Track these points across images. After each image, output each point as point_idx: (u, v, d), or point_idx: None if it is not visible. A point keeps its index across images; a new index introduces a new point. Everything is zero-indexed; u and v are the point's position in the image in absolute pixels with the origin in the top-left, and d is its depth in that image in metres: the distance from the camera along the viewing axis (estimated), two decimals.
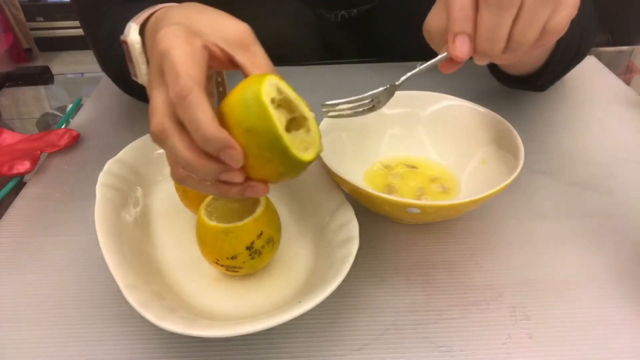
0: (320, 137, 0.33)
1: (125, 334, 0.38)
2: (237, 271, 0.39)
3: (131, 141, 0.49)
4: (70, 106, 0.69)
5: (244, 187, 0.32)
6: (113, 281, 0.34)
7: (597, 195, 0.50)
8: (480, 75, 0.69)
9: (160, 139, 0.31)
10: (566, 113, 0.63)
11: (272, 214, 0.39)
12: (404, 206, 0.39)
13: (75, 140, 0.60)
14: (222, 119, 0.30)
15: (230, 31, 0.34)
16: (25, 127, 0.73)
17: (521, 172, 0.41)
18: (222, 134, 0.29)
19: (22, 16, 2.39)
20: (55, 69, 0.82)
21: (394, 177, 0.50)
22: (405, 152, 0.53)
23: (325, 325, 0.38)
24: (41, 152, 0.57)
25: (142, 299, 0.33)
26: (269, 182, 0.33)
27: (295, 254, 0.42)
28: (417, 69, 0.39)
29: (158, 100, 0.31)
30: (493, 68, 0.64)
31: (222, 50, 0.33)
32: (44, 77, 0.79)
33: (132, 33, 0.40)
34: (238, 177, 0.31)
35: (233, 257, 0.37)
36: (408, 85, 0.54)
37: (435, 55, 0.39)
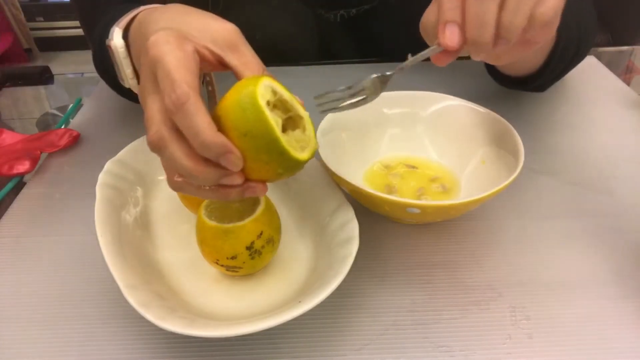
0: (315, 135, 0.33)
1: (125, 334, 0.38)
2: (237, 271, 0.39)
3: (131, 141, 0.49)
4: (70, 106, 0.69)
5: (243, 189, 0.32)
6: (113, 281, 0.34)
7: (597, 195, 0.50)
8: (480, 75, 0.69)
9: (158, 148, 0.31)
10: (566, 113, 0.63)
11: (272, 214, 0.39)
12: (404, 206, 0.39)
13: (75, 140, 0.60)
14: (218, 124, 0.30)
15: (219, 32, 0.34)
16: (25, 127, 0.72)
17: (521, 172, 0.41)
18: (220, 139, 0.29)
19: (22, 16, 2.39)
20: (55, 69, 0.82)
21: (394, 177, 0.50)
22: (405, 152, 0.53)
23: (325, 325, 0.38)
24: (41, 152, 0.57)
25: (142, 299, 0.33)
26: (267, 181, 0.33)
27: (295, 254, 0.42)
28: (410, 60, 0.39)
29: (153, 108, 0.31)
30: (491, 69, 0.64)
31: (212, 52, 0.33)
32: (44, 77, 0.79)
33: (115, 37, 0.40)
34: (238, 180, 0.31)
35: (233, 257, 0.37)
36: (408, 85, 0.54)
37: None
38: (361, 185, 0.40)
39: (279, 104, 0.31)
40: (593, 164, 0.54)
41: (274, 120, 0.29)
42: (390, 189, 0.49)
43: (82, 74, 0.82)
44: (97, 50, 0.55)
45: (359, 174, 0.50)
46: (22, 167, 0.54)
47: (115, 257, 0.36)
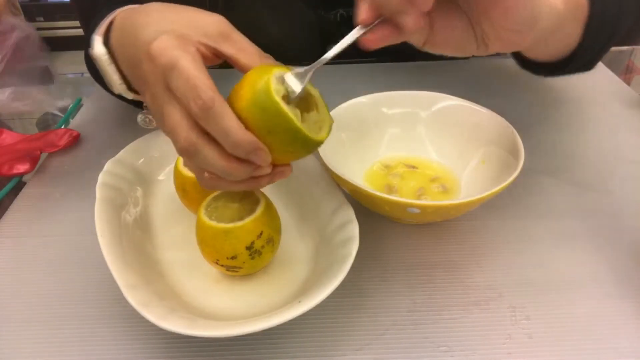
0: (328, 110, 0.34)
1: (125, 334, 0.38)
2: (237, 271, 0.39)
3: (131, 141, 0.49)
4: (70, 106, 0.69)
5: (272, 176, 0.34)
6: (113, 281, 0.34)
7: (597, 195, 0.50)
8: (481, 75, 0.69)
9: (190, 154, 0.31)
10: (566, 113, 0.63)
11: (272, 214, 0.39)
12: (404, 206, 0.39)
13: (75, 140, 0.60)
14: (242, 123, 0.31)
15: (208, 25, 0.34)
16: (25, 127, 0.73)
17: (521, 172, 0.41)
18: (250, 137, 0.30)
19: (22, 16, 2.39)
20: (55, 69, 0.82)
21: (394, 177, 0.50)
22: (405, 152, 0.53)
23: (325, 325, 0.38)
24: (41, 152, 0.57)
25: (142, 299, 0.33)
26: (290, 162, 0.35)
27: (295, 254, 0.42)
28: (333, 49, 0.35)
29: (175, 116, 0.31)
30: (522, 60, 0.58)
31: (207, 46, 0.33)
32: (44, 77, 0.79)
33: (96, 46, 0.40)
34: (267, 171, 0.33)
35: (233, 257, 0.37)
36: (408, 85, 0.54)
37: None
38: (361, 185, 0.40)
39: (288, 87, 0.31)
40: (593, 164, 0.54)
41: (293, 113, 0.30)
42: (390, 189, 0.49)
43: (82, 74, 0.82)
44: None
45: (359, 174, 0.50)
46: (22, 167, 0.54)
47: (115, 257, 0.36)
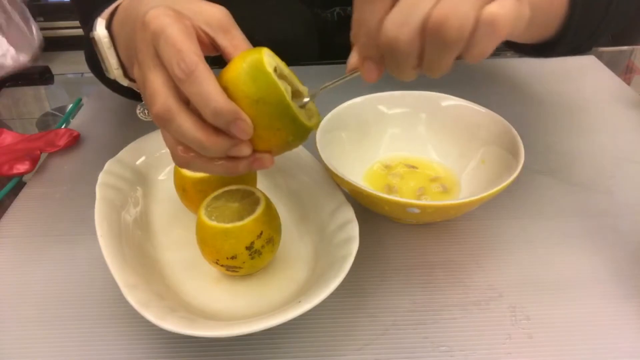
0: (317, 109, 0.34)
1: (125, 334, 0.38)
2: (237, 271, 0.39)
3: (131, 141, 0.49)
4: (70, 106, 0.69)
5: (251, 161, 0.32)
6: (113, 281, 0.34)
7: (597, 195, 0.50)
8: (481, 75, 0.69)
9: (165, 120, 0.30)
10: (566, 113, 0.63)
11: (272, 214, 0.39)
12: (404, 206, 0.39)
13: (75, 140, 0.60)
14: (227, 92, 0.30)
15: (211, 15, 0.34)
16: (25, 127, 0.72)
17: (521, 172, 0.41)
18: (232, 105, 0.29)
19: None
20: (55, 69, 0.82)
21: (394, 177, 0.50)
22: (405, 152, 0.53)
23: (325, 325, 0.38)
24: (41, 152, 0.57)
25: (142, 299, 0.33)
26: (273, 153, 0.33)
27: (295, 254, 0.42)
28: (331, 83, 0.35)
29: (157, 82, 0.30)
30: (509, 43, 0.56)
31: (206, 33, 0.33)
32: (44, 77, 0.79)
33: (98, 28, 0.40)
34: (246, 150, 0.31)
35: (233, 257, 0.37)
36: (408, 85, 0.54)
37: None
38: (361, 185, 0.40)
39: (281, 77, 0.31)
40: (593, 164, 0.54)
41: (284, 87, 0.30)
42: (390, 189, 0.49)
43: (82, 74, 0.82)
44: (86, 46, 0.55)
45: (359, 174, 0.50)
46: (22, 167, 0.54)
47: (115, 257, 0.36)
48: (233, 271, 0.39)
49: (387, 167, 0.51)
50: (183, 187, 0.43)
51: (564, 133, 0.59)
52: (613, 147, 0.57)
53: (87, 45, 0.54)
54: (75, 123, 0.64)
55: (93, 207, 0.40)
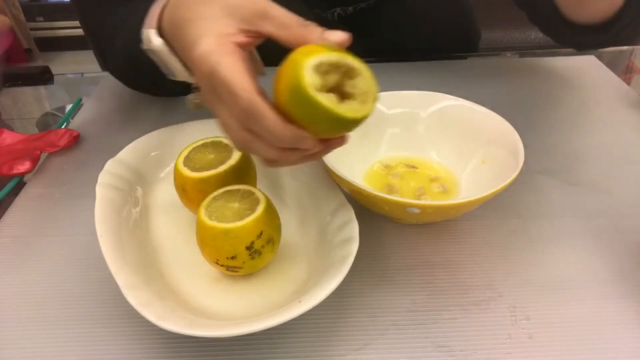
0: (372, 76, 0.34)
1: (125, 334, 0.38)
2: (237, 271, 0.39)
3: (131, 141, 0.49)
4: (70, 106, 0.69)
5: (327, 148, 0.35)
6: (113, 281, 0.34)
7: (597, 195, 0.50)
8: (480, 75, 0.69)
9: (245, 149, 0.35)
10: (566, 113, 0.63)
11: (272, 214, 0.39)
12: (404, 206, 0.39)
13: (75, 140, 0.60)
14: (284, 115, 0.32)
15: (245, 7, 0.34)
16: (25, 127, 0.72)
17: (521, 172, 0.41)
18: (292, 131, 0.32)
19: (22, 16, 2.39)
20: (55, 69, 0.82)
21: (394, 177, 0.50)
22: (405, 152, 0.53)
23: (325, 325, 0.38)
24: (41, 152, 0.57)
25: (142, 299, 0.33)
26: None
27: (295, 254, 0.42)
28: None
29: (225, 116, 0.34)
30: (553, 21, 0.55)
31: (248, 31, 0.34)
32: (44, 77, 0.79)
33: (154, 39, 0.40)
34: (319, 148, 0.34)
35: (233, 257, 0.37)
36: (408, 85, 0.54)
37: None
38: (361, 185, 0.40)
39: (329, 68, 0.31)
40: (593, 164, 0.54)
41: (331, 101, 0.30)
42: (390, 189, 0.49)
43: (82, 74, 0.82)
44: (107, 45, 0.55)
45: (359, 174, 0.50)
46: (22, 167, 0.54)
47: (115, 257, 0.36)
48: (233, 271, 0.39)
49: (387, 167, 0.51)
50: (183, 187, 0.43)
51: (564, 133, 0.59)
52: (613, 147, 0.57)
53: (109, 47, 0.54)
54: (75, 123, 0.64)
55: (93, 207, 0.40)
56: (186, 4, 0.37)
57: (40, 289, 0.42)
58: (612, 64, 0.76)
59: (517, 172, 0.40)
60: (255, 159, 0.46)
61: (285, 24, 0.34)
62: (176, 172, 0.44)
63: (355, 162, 0.50)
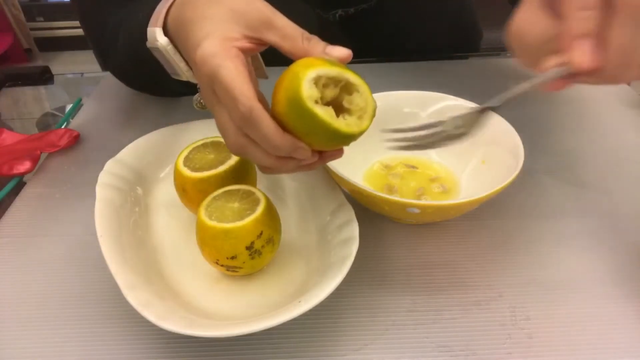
0: (370, 92, 0.34)
1: (125, 334, 0.38)
2: (237, 271, 0.39)
3: (131, 141, 0.49)
4: (70, 106, 0.69)
5: (323, 159, 0.35)
6: (113, 281, 0.34)
7: (597, 195, 0.50)
8: (480, 75, 0.69)
9: (240, 153, 0.35)
10: (566, 113, 0.63)
11: (272, 214, 0.39)
12: (404, 206, 0.39)
13: (75, 140, 0.60)
14: (281, 124, 0.32)
15: (250, 14, 0.34)
16: (25, 127, 0.72)
17: (521, 172, 0.41)
18: (287, 140, 0.32)
19: (22, 16, 2.39)
20: (55, 69, 0.82)
21: (394, 177, 0.50)
22: (405, 152, 0.53)
23: (325, 325, 0.38)
24: (41, 152, 0.57)
25: (142, 299, 0.33)
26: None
27: (295, 254, 0.42)
28: (521, 87, 0.32)
29: (223, 118, 0.34)
30: None
31: (252, 38, 0.34)
32: (44, 77, 0.79)
33: (159, 37, 0.40)
34: (314, 160, 0.34)
35: (233, 257, 0.37)
36: (408, 85, 0.54)
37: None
38: (361, 185, 0.40)
39: (328, 82, 0.32)
40: (593, 164, 0.54)
41: (328, 115, 0.31)
42: (390, 189, 0.49)
43: (82, 74, 0.82)
44: (109, 44, 0.55)
45: (359, 174, 0.50)
46: (22, 167, 0.54)
47: (115, 257, 0.36)
48: (233, 271, 0.39)
49: (387, 167, 0.51)
50: (183, 187, 0.43)
51: (564, 133, 0.59)
52: (613, 147, 0.57)
53: (111, 46, 0.54)
54: (75, 123, 0.64)
55: (93, 207, 0.40)
56: (192, 4, 0.37)
57: (40, 289, 0.42)
58: None
59: (517, 172, 0.40)
60: None
61: (289, 35, 0.34)
62: (176, 172, 0.43)
63: (355, 162, 0.50)
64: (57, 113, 0.72)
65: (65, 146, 0.58)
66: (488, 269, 0.42)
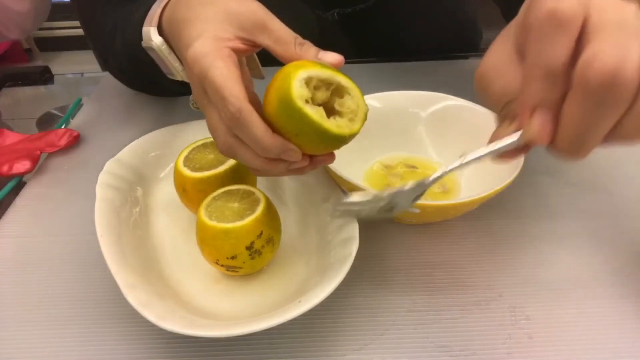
0: (362, 95, 0.34)
1: (125, 334, 0.38)
2: (237, 271, 0.39)
3: (131, 141, 0.49)
4: (70, 106, 0.69)
5: (313, 164, 0.35)
6: (113, 281, 0.34)
7: (597, 195, 0.50)
8: None
9: (230, 154, 0.35)
10: None
11: (272, 214, 0.39)
12: None
13: (75, 140, 0.60)
14: (271, 125, 0.32)
15: (245, 15, 0.34)
16: (25, 127, 0.72)
17: (521, 172, 0.41)
18: (277, 141, 0.31)
19: None
20: (55, 69, 0.82)
21: (394, 177, 0.50)
22: (405, 152, 0.53)
23: (325, 325, 0.38)
24: (41, 152, 0.57)
25: (142, 299, 0.33)
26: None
27: (295, 254, 0.42)
28: (465, 160, 0.31)
29: (213, 119, 0.34)
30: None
31: (244, 40, 0.34)
32: (44, 77, 0.79)
33: (154, 37, 0.40)
34: (304, 164, 0.34)
35: (233, 257, 0.37)
36: (408, 85, 0.54)
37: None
38: (361, 186, 0.40)
39: (319, 83, 0.32)
40: (593, 164, 0.54)
41: (318, 115, 0.31)
42: None
43: (82, 74, 0.82)
44: (107, 44, 0.55)
45: (359, 174, 0.50)
46: (22, 167, 0.54)
47: (115, 257, 0.36)
48: (233, 271, 0.39)
49: (387, 167, 0.51)
50: (183, 187, 0.43)
51: None
52: (613, 147, 0.57)
53: (109, 46, 0.54)
54: (75, 123, 0.64)
55: (93, 207, 0.40)
56: (186, 4, 0.37)
57: (40, 288, 0.42)
58: None
59: (517, 172, 0.40)
60: None
61: (283, 39, 0.34)
62: (176, 172, 0.44)
63: (355, 162, 0.50)
64: (57, 113, 0.72)
65: (65, 146, 0.58)
66: (488, 269, 0.42)
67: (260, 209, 0.38)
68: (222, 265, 0.38)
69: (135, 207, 0.45)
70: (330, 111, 0.32)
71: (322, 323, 0.38)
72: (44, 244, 0.46)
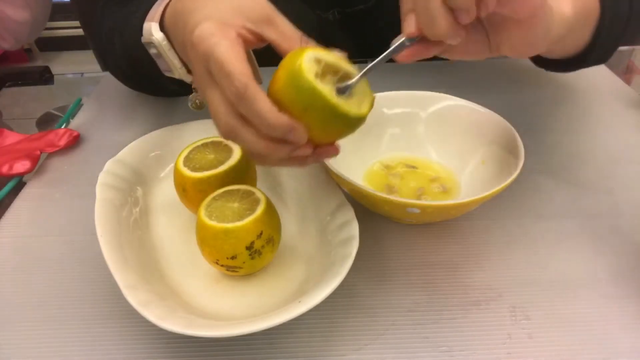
0: (369, 85, 0.34)
1: (125, 334, 0.38)
2: (237, 271, 0.39)
3: (131, 141, 0.49)
4: (70, 106, 0.69)
5: (316, 155, 0.34)
6: (113, 281, 0.34)
7: (597, 195, 0.50)
8: (480, 75, 0.69)
9: (231, 137, 0.33)
10: (566, 113, 0.63)
11: (272, 214, 0.39)
12: (404, 206, 0.39)
13: (75, 140, 0.60)
14: (277, 103, 0.31)
15: (252, 9, 0.34)
16: (25, 127, 0.72)
17: (521, 172, 0.41)
18: (283, 119, 0.31)
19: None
20: (55, 69, 0.82)
21: (394, 177, 0.50)
22: (405, 152, 0.53)
23: (325, 325, 0.38)
24: (41, 152, 0.57)
25: (142, 299, 0.33)
26: (335, 141, 0.35)
27: (295, 254, 0.42)
28: (376, 61, 0.36)
29: (216, 100, 0.33)
30: (536, 59, 0.60)
31: (251, 31, 0.34)
32: (44, 77, 0.79)
33: (154, 32, 0.40)
34: (307, 151, 0.33)
35: (233, 257, 0.37)
36: (408, 85, 0.54)
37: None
38: (361, 185, 0.40)
39: (327, 68, 0.32)
40: (593, 164, 0.54)
41: (327, 90, 0.30)
42: (390, 189, 0.49)
43: (82, 74, 0.82)
44: (107, 44, 0.55)
45: (359, 174, 0.50)
46: (22, 167, 0.54)
47: (115, 257, 0.36)
48: (233, 271, 0.39)
49: (387, 167, 0.51)
50: (183, 187, 0.43)
51: (564, 133, 0.59)
52: (613, 147, 0.57)
53: (108, 46, 0.54)
54: (75, 123, 0.64)
55: (93, 207, 0.40)
56: None
57: (40, 288, 0.42)
58: (612, 64, 0.76)
59: (517, 172, 0.40)
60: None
61: (288, 35, 0.34)
62: (176, 172, 0.44)
63: (355, 162, 0.50)
64: (57, 113, 0.72)
65: (65, 146, 0.58)
66: (488, 269, 0.42)
67: (260, 209, 0.38)
68: (222, 265, 0.38)
69: (136, 207, 0.45)
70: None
71: (322, 323, 0.38)
72: (44, 244, 0.46)
